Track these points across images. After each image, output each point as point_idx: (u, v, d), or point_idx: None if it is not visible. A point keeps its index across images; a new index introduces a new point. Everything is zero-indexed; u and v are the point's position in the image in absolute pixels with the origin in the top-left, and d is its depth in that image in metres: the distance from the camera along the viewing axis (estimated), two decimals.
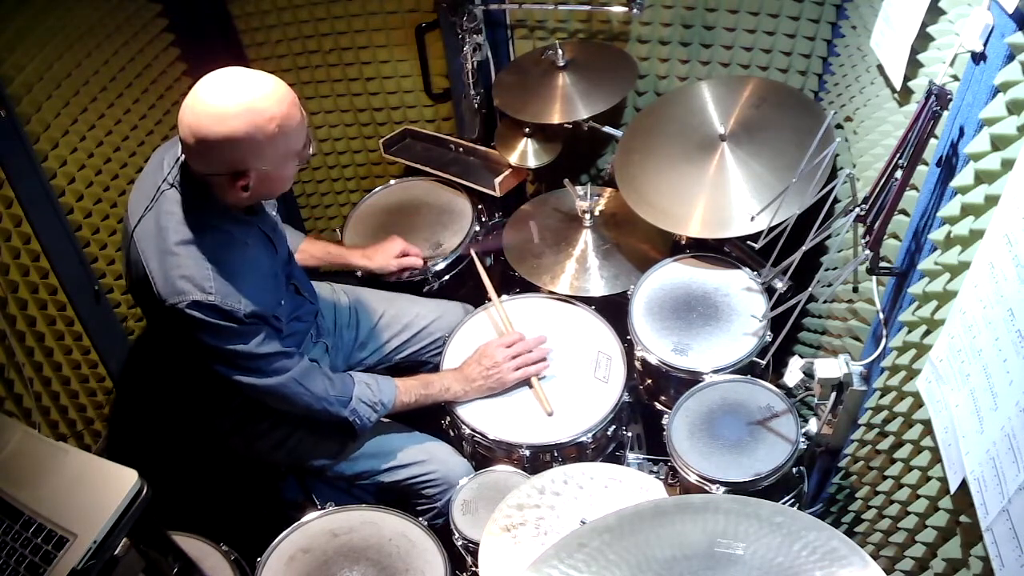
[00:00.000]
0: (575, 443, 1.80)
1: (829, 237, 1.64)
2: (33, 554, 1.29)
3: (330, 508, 1.75)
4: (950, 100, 1.20)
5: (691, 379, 1.80)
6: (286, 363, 1.65)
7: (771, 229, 1.72)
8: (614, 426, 1.90)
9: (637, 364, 1.94)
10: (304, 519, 1.73)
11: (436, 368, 1.99)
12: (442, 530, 1.74)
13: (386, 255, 2.19)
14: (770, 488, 1.61)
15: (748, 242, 1.80)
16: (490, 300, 2.09)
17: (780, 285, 1.77)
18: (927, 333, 1.27)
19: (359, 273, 2.29)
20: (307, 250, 2.13)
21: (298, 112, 1.45)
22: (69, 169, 1.98)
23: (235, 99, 1.37)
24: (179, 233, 1.49)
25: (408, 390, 1.83)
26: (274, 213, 1.76)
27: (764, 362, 1.79)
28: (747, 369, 1.82)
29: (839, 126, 1.91)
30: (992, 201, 1.05)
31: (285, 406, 1.70)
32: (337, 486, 2.01)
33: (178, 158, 1.52)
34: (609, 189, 2.35)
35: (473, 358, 1.90)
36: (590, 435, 1.80)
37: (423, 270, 2.25)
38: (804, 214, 1.68)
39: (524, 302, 2.11)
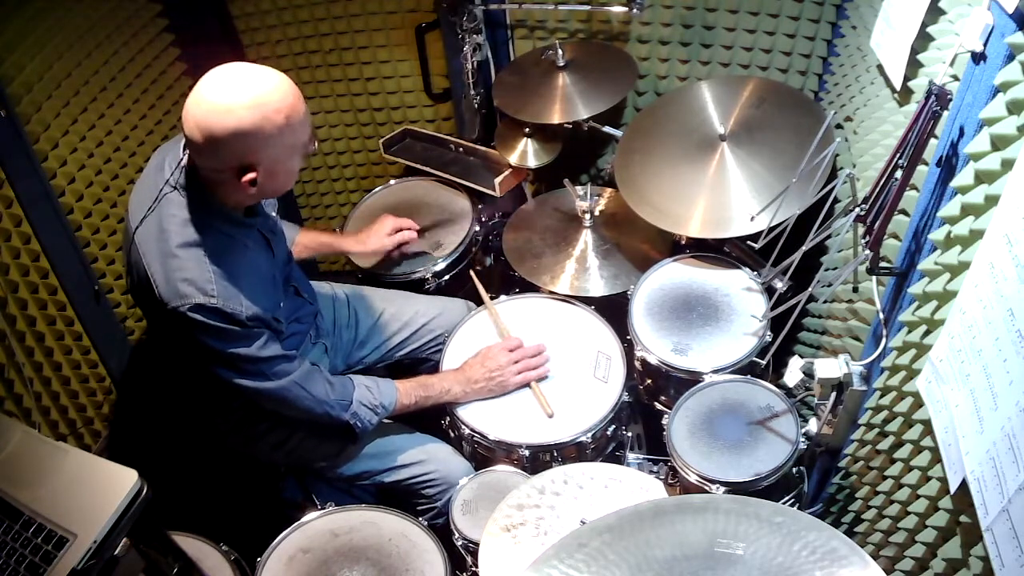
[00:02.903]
0: (575, 443, 1.80)
1: (829, 237, 1.64)
2: (33, 554, 1.29)
3: (330, 508, 1.75)
4: (950, 100, 1.20)
5: (691, 379, 1.81)
6: (287, 366, 1.64)
7: (771, 229, 1.72)
8: (614, 426, 1.90)
9: (637, 364, 1.94)
10: (304, 519, 1.73)
11: (436, 365, 2.00)
12: (442, 530, 1.74)
13: (379, 236, 2.19)
14: (770, 488, 1.61)
15: (748, 242, 1.80)
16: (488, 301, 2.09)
17: (780, 285, 1.77)
18: (927, 333, 1.27)
19: (359, 275, 2.29)
20: (301, 241, 2.12)
21: (303, 105, 1.45)
22: (69, 169, 1.98)
23: (242, 93, 1.36)
24: (181, 236, 1.48)
25: (408, 392, 1.82)
26: (274, 214, 1.76)
27: (764, 362, 1.79)
28: (747, 369, 1.81)
29: (839, 126, 1.91)
30: (992, 201, 1.05)
31: (286, 410, 1.70)
32: (337, 486, 2.01)
33: (180, 160, 1.51)
34: (609, 189, 2.35)
35: (475, 360, 1.90)
36: (590, 435, 1.80)
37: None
38: (804, 214, 1.68)
39: (523, 302, 2.11)
